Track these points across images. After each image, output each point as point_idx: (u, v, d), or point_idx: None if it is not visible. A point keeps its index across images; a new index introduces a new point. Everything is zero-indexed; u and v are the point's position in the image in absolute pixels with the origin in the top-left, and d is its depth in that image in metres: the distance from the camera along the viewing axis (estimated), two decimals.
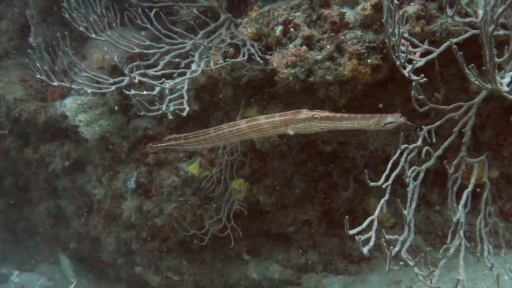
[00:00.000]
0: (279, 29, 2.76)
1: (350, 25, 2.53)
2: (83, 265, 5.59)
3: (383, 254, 2.43)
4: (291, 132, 2.40)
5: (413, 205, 2.28)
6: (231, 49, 2.95)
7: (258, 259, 4.36)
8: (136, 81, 2.59)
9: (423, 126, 2.39)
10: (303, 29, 2.66)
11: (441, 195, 3.32)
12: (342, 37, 2.54)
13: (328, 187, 3.74)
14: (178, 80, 2.75)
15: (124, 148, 4.02)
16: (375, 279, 3.68)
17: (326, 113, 2.29)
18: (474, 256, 2.51)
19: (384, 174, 2.21)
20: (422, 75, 2.13)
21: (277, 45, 2.79)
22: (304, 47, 2.63)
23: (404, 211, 2.18)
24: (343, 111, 2.91)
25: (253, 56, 2.80)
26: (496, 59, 1.74)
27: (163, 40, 2.87)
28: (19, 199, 5.82)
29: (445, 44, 2.23)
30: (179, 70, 2.80)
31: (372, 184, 2.13)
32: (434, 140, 2.39)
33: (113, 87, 2.65)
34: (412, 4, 2.36)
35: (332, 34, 2.59)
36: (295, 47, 2.66)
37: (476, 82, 1.89)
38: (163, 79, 2.63)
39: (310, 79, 2.68)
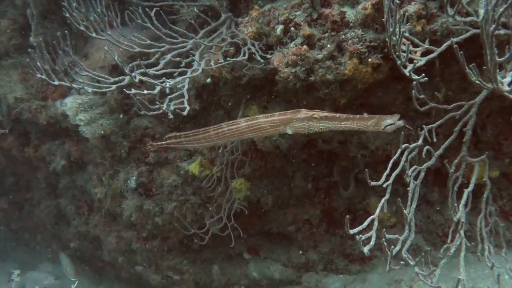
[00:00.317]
0: (279, 28, 2.75)
1: (351, 24, 2.53)
2: (83, 264, 5.60)
3: (384, 253, 2.42)
4: (290, 132, 2.40)
5: (414, 205, 2.28)
6: (232, 48, 2.95)
7: (259, 258, 4.36)
8: (136, 80, 2.58)
9: (423, 126, 2.39)
10: (304, 28, 2.66)
11: (441, 195, 3.32)
12: (343, 36, 2.54)
13: (328, 186, 3.74)
14: (178, 79, 2.74)
15: (125, 147, 4.02)
16: (375, 278, 3.69)
17: (325, 113, 2.29)
18: (474, 255, 2.51)
19: (385, 174, 2.21)
20: (423, 74, 2.13)
21: (278, 44, 2.79)
22: (304, 46, 2.63)
23: (404, 211, 2.18)
24: (344, 110, 2.92)
25: (253, 55, 2.80)
26: (497, 59, 1.74)
27: (164, 39, 2.87)
28: (19, 198, 5.82)
29: (446, 44, 2.22)
30: (179, 69, 2.80)
31: (372, 183, 2.13)
32: (434, 140, 2.38)
33: (114, 86, 2.65)
34: (413, 3, 2.35)
35: (333, 33, 2.58)
36: (296, 46, 2.65)
37: (477, 82, 1.89)
38: (163, 78, 2.63)
39: (310, 78, 2.68)
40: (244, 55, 2.79)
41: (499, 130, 2.74)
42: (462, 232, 2.28)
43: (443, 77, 2.61)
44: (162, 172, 3.97)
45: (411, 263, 2.06)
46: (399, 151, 2.30)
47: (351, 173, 3.56)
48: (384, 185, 2.19)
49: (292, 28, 2.70)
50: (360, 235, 1.97)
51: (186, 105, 2.70)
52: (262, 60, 2.78)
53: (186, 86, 2.80)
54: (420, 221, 3.44)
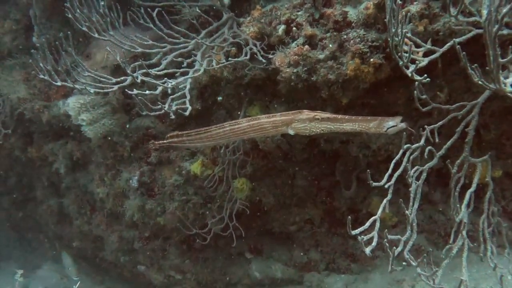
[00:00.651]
0: (281, 28, 2.75)
1: (353, 24, 2.52)
2: (85, 264, 5.61)
3: (386, 253, 2.42)
4: (291, 132, 2.40)
5: (416, 205, 2.28)
6: (234, 48, 2.95)
7: (261, 258, 4.37)
8: (138, 80, 2.59)
9: (425, 126, 2.38)
10: (306, 28, 2.65)
11: (444, 194, 3.32)
12: (345, 36, 2.54)
13: (330, 186, 3.74)
14: (180, 79, 2.75)
15: (127, 147, 4.02)
16: (377, 278, 3.68)
17: (327, 114, 2.29)
18: (477, 255, 2.50)
19: (387, 174, 2.20)
20: (425, 75, 2.12)
21: (280, 44, 2.78)
22: (306, 46, 2.62)
23: (406, 212, 2.18)
24: (346, 110, 2.92)
25: (255, 55, 2.80)
26: (500, 60, 1.73)
27: (166, 40, 2.87)
28: (22, 198, 5.84)
29: (448, 44, 2.22)
30: (181, 70, 2.80)
31: (374, 184, 2.12)
32: (437, 140, 2.38)
33: (116, 87, 2.65)
34: (415, 3, 2.35)
35: (335, 33, 2.58)
36: (298, 46, 2.65)
37: (480, 82, 1.88)
38: (165, 78, 2.63)
39: (312, 78, 2.68)
40: (245, 55, 2.79)
41: (502, 130, 2.73)
42: (464, 232, 2.27)
43: (445, 76, 2.60)
44: (164, 172, 3.97)
45: (413, 263, 2.05)
46: (401, 151, 2.29)
47: (353, 173, 3.56)
48: (386, 186, 2.18)
49: (294, 28, 2.69)
50: (362, 236, 1.96)
51: (188, 105, 2.70)
52: (264, 60, 2.78)
53: (188, 86, 2.80)
54: (422, 221, 3.43)
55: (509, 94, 1.86)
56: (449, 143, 2.42)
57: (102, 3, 2.83)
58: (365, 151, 3.19)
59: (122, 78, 2.69)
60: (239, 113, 3.35)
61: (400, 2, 1.96)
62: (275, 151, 3.47)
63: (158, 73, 2.70)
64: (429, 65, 2.27)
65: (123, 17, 2.92)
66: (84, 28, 2.72)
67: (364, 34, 2.48)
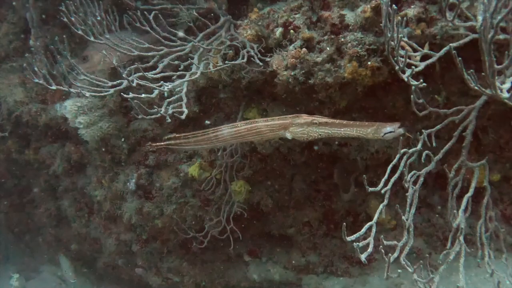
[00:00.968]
0: (279, 31, 2.74)
1: (350, 27, 2.51)
2: (83, 266, 5.60)
3: (384, 257, 2.41)
4: (289, 137, 2.39)
5: (413, 210, 2.27)
6: (231, 51, 2.94)
7: (259, 261, 4.35)
8: (134, 84, 2.57)
9: (423, 130, 2.37)
10: (303, 31, 2.65)
11: (442, 198, 3.30)
12: (342, 39, 2.53)
13: (328, 188, 3.73)
14: (177, 82, 2.73)
15: (124, 149, 4.01)
16: (376, 281, 3.67)
17: (325, 119, 2.28)
18: (475, 259, 2.49)
19: (383, 179, 2.19)
20: (421, 80, 2.11)
21: (277, 47, 2.77)
22: (304, 49, 2.61)
23: (403, 217, 2.17)
24: (343, 113, 2.91)
25: (252, 58, 2.79)
26: (496, 66, 1.71)
27: (163, 43, 2.86)
28: (20, 201, 5.82)
29: (444, 49, 2.21)
30: (178, 73, 2.79)
31: (371, 189, 2.11)
32: (434, 144, 2.36)
33: (112, 91, 2.64)
34: (412, 6, 2.34)
35: (332, 36, 2.57)
36: (295, 49, 2.64)
37: (476, 88, 1.87)
38: (161, 82, 2.62)
39: (310, 81, 2.67)
40: (243, 58, 2.78)
41: (500, 133, 2.72)
42: (461, 238, 2.26)
43: (443, 80, 2.59)
44: (162, 174, 3.96)
45: (410, 270, 2.04)
46: (398, 156, 2.28)
47: (351, 176, 3.55)
48: (383, 191, 2.17)
49: (292, 31, 2.68)
50: (357, 243, 1.95)
51: (184, 108, 2.69)
52: (261, 63, 2.76)
53: (185, 90, 2.79)
54: (421, 224, 3.42)
55: (505, 100, 1.84)
56: (446, 147, 2.41)
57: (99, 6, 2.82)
58: (363, 154, 3.18)
59: (118, 81, 2.68)
60: (236, 116, 3.34)
61: (396, 7, 1.95)
62: (273, 154, 3.46)
63: (155, 76, 2.69)
64: (427, 68, 2.26)
65: (120, 21, 2.90)
66: (80, 32, 2.71)
67: (361, 37, 2.47)
